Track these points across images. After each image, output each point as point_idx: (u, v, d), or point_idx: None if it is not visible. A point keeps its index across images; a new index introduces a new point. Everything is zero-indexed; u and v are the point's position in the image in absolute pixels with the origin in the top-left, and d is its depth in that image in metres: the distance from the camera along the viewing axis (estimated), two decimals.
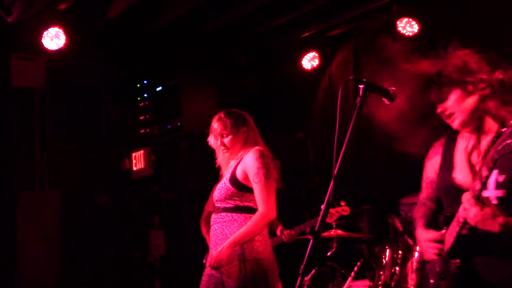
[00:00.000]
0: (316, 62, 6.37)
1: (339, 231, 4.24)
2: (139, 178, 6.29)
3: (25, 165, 5.90)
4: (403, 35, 5.38)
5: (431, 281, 2.21)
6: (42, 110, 6.06)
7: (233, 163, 3.29)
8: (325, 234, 4.21)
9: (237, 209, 3.18)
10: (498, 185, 2.02)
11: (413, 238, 4.19)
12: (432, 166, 2.46)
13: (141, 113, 6.51)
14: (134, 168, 6.34)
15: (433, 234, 2.24)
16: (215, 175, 5.15)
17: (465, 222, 1.95)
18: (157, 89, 6.41)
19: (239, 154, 3.27)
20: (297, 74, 6.63)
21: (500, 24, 4.71)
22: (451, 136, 2.41)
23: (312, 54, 6.35)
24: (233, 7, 5.36)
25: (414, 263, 3.49)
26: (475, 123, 2.22)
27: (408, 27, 5.33)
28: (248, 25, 5.87)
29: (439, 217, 2.26)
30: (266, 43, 6.32)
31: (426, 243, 2.27)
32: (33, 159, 5.96)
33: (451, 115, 2.28)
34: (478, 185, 1.88)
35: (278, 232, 4.66)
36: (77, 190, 6.22)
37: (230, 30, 5.94)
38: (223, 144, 3.27)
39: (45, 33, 5.05)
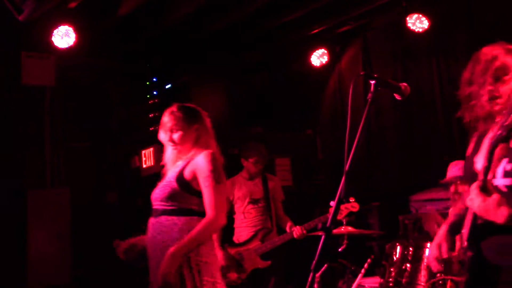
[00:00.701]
0: (325, 59, 6.36)
1: (350, 228, 4.22)
2: (148, 175, 6.31)
3: (35, 163, 5.94)
4: (413, 31, 5.36)
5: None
6: (52, 108, 6.09)
7: (181, 162, 3.02)
8: (336, 231, 4.19)
9: (179, 212, 2.89)
10: (506, 174, 1.98)
11: (424, 235, 4.18)
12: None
13: (150, 111, 6.53)
14: (144, 166, 6.36)
15: (445, 245, 2.19)
16: (225, 173, 5.17)
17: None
18: (167, 86, 6.43)
19: (189, 154, 3.01)
20: (306, 71, 6.63)
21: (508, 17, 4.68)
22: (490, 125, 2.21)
23: (321, 51, 6.35)
24: (242, 5, 5.36)
25: (425, 260, 3.48)
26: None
27: (418, 23, 5.31)
28: (257, 22, 5.86)
29: None
30: (275, 40, 6.31)
31: (435, 246, 2.23)
32: (43, 157, 6.00)
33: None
34: (481, 175, 1.86)
35: (288, 229, 4.66)
36: (87, 187, 6.25)
37: (239, 28, 5.94)
38: (172, 140, 3.01)
39: (55, 31, 5.07)
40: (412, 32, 5.38)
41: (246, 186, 4.88)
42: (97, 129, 6.56)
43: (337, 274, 4.51)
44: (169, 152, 3.11)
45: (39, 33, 5.21)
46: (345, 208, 4.37)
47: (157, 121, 6.31)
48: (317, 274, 4.11)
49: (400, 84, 2.19)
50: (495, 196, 1.85)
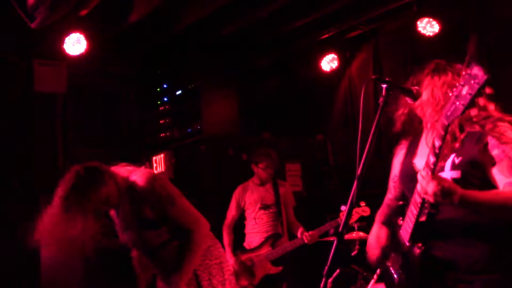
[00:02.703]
0: (335, 64, 6.35)
1: (361, 233, 4.21)
2: None
3: (47, 169, 5.97)
4: (423, 36, 5.33)
5: (395, 276, 2.17)
6: (64, 115, 6.13)
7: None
8: (347, 236, 4.18)
9: (162, 247, 2.84)
10: (454, 166, 1.99)
11: None
12: (397, 162, 2.39)
13: (161, 117, 6.56)
14: (155, 172, 6.39)
15: (377, 231, 2.29)
16: (235, 178, 5.18)
17: (424, 202, 1.91)
18: (177, 92, 6.46)
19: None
20: (316, 76, 6.61)
21: None
22: (419, 132, 2.32)
23: (331, 56, 6.33)
24: (252, 10, 5.37)
25: None
26: None
27: (428, 27, 5.28)
28: (267, 28, 5.87)
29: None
30: (285, 45, 6.31)
31: (373, 237, 2.32)
32: (55, 163, 6.03)
33: None
34: (432, 158, 1.83)
35: (299, 234, 4.65)
36: None
37: (249, 33, 5.95)
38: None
39: (67, 38, 5.12)
40: (423, 36, 5.35)
41: (257, 192, 4.88)
42: (108, 136, 6.59)
43: (349, 279, 4.48)
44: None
45: (51, 41, 5.25)
46: (356, 213, 4.36)
47: (168, 128, 6.40)
48: (329, 280, 4.09)
49: (412, 87, 2.19)
50: (448, 180, 1.86)
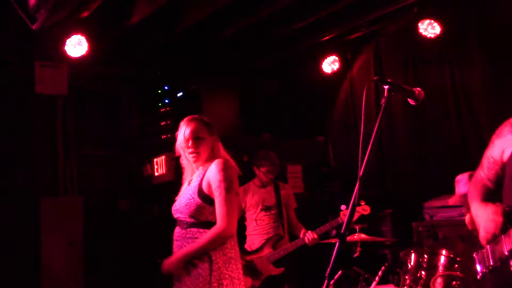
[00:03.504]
0: (336, 66, 6.35)
1: (363, 235, 4.20)
2: (160, 183, 6.32)
3: (48, 171, 5.98)
4: (425, 37, 5.34)
5: (480, 268, 2.08)
6: (65, 116, 6.14)
7: (198, 174, 3.04)
8: (349, 238, 4.17)
9: (207, 225, 2.89)
10: None
11: (439, 242, 4.13)
12: (500, 146, 2.23)
13: (162, 119, 6.55)
14: (156, 174, 6.38)
15: (492, 207, 2.09)
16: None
17: None
18: (178, 94, 6.45)
19: (206, 164, 3.02)
20: (317, 78, 6.62)
21: None
22: None
23: (332, 57, 6.34)
24: (253, 12, 5.37)
25: (440, 267, 3.43)
26: None
27: (430, 28, 5.29)
28: (269, 29, 5.87)
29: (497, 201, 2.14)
30: (286, 47, 6.32)
31: (484, 217, 2.13)
32: (56, 165, 6.03)
33: None
34: None
35: (301, 235, 4.64)
36: (99, 195, 6.27)
37: (250, 35, 5.95)
38: (195, 147, 2.99)
39: (68, 40, 5.12)
40: (424, 38, 5.36)
41: (258, 194, 4.87)
42: (109, 138, 6.59)
43: (351, 281, 4.48)
44: (187, 161, 3.10)
45: (52, 43, 5.26)
46: (356, 212, 4.34)
47: (169, 129, 6.40)
48: (331, 282, 4.08)
49: (414, 89, 2.17)
50: None
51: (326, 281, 1.93)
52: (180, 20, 5.45)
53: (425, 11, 5.34)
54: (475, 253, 2.16)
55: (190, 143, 3.00)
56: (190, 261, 2.85)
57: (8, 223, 5.41)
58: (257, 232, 4.82)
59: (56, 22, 4.75)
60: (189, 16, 5.35)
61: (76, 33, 5.10)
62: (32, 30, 4.68)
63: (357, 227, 4.26)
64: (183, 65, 6.34)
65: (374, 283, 4.09)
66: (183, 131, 3.05)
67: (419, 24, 5.33)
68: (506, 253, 1.96)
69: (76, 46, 5.15)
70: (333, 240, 4.42)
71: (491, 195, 2.22)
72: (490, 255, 2.09)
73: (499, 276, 2.01)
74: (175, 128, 6.79)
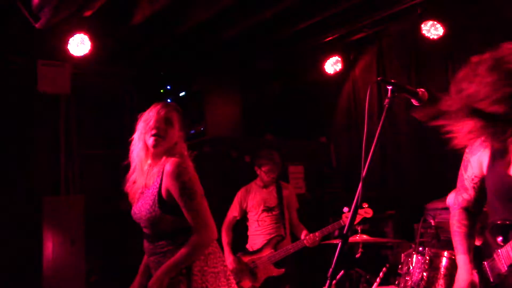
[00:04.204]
0: (339, 67, 6.35)
1: (365, 236, 4.19)
2: None
3: (50, 170, 5.98)
4: (428, 38, 5.33)
5: (491, 280, 2.05)
6: (67, 116, 6.14)
7: (153, 173, 2.77)
8: (351, 239, 4.16)
9: (180, 233, 2.68)
10: None
11: (441, 243, 4.13)
12: (477, 161, 2.19)
13: None
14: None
15: (472, 276, 2.09)
16: (238, 180, 5.17)
17: None
18: (180, 94, 6.45)
19: (161, 160, 2.74)
20: (320, 79, 6.62)
21: None
22: (503, 128, 2.07)
23: (334, 58, 6.33)
24: (255, 13, 5.37)
25: (442, 269, 3.42)
26: None
27: (433, 30, 5.28)
28: (271, 30, 5.87)
29: (479, 226, 2.13)
30: (289, 48, 6.31)
31: (463, 284, 2.12)
32: (58, 164, 6.04)
33: None
34: None
35: (303, 236, 4.64)
36: (101, 194, 6.27)
37: (252, 36, 5.95)
38: (162, 131, 2.73)
39: (71, 39, 5.12)
40: (427, 39, 5.35)
41: (260, 194, 4.87)
42: (111, 137, 6.59)
43: (352, 282, 4.47)
44: (142, 152, 2.83)
45: (55, 41, 5.26)
46: (358, 214, 4.34)
47: None
48: (333, 282, 4.07)
49: (418, 89, 2.16)
50: None
51: (328, 282, 1.92)
52: (183, 20, 5.45)
53: (428, 12, 5.33)
54: (485, 262, 2.14)
55: (159, 124, 2.75)
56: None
57: (10, 222, 5.42)
58: (259, 232, 4.82)
59: (59, 21, 4.76)
60: (192, 16, 5.35)
61: (79, 32, 5.10)
62: (35, 28, 4.69)
63: (359, 228, 4.25)
64: (186, 65, 6.34)
65: (375, 284, 4.08)
66: (155, 112, 2.79)
67: (422, 25, 5.32)
68: (505, 268, 1.96)
69: (79, 45, 5.15)
70: (334, 241, 4.41)
71: (475, 224, 2.17)
72: (489, 272, 2.09)
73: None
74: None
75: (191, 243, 2.64)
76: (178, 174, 2.65)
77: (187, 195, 2.63)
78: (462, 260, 2.18)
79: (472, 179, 2.24)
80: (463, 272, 2.15)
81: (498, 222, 2.03)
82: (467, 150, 2.27)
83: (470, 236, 2.21)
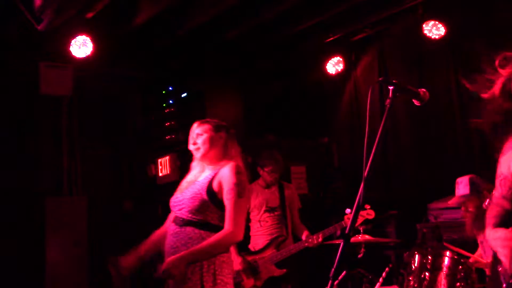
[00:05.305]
0: (340, 67, 6.35)
1: (367, 236, 4.19)
2: (165, 184, 6.33)
3: (53, 171, 6.00)
4: (429, 38, 5.33)
5: (504, 285, 2.08)
6: (70, 117, 6.15)
7: (208, 172, 3.00)
8: (353, 239, 4.16)
9: (207, 226, 2.83)
10: None
11: (443, 244, 4.13)
12: (506, 162, 2.24)
13: (166, 120, 6.56)
14: (160, 174, 6.39)
15: (502, 232, 2.13)
16: None
17: None
18: (182, 95, 6.46)
19: (218, 164, 3.00)
20: (321, 79, 6.62)
21: None
22: None
23: (336, 58, 6.34)
24: (257, 13, 5.38)
25: (445, 269, 3.43)
26: None
27: (434, 30, 5.28)
28: (272, 30, 5.88)
29: None
30: (290, 48, 6.32)
31: (495, 241, 2.17)
32: (61, 165, 6.05)
33: None
34: None
35: (304, 237, 4.64)
36: (103, 195, 6.29)
37: (254, 36, 5.96)
38: (195, 142, 3.05)
39: (73, 41, 5.14)
40: (429, 39, 5.35)
41: (262, 194, 4.88)
42: (114, 138, 6.60)
43: (355, 283, 4.47)
44: (195, 161, 3.13)
45: (57, 43, 5.28)
46: (360, 216, 4.34)
47: (173, 130, 6.41)
48: (335, 282, 4.07)
49: (419, 90, 2.16)
50: None
51: (330, 282, 1.93)
52: (185, 21, 5.46)
53: (430, 12, 5.33)
54: (499, 267, 2.16)
55: (192, 138, 3.08)
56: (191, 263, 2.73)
57: (13, 223, 5.43)
58: (261, 233, 4.82)
59: (61, 23, 4.77)
60: (193, 17, 5.36)
61: (81, 34, 5.12)
62: (37, 30, 4.71)
63: (361, 228, 4.25)
64: (188, 66, 6.35)
65: (378, 284, 4.08)
66: (192, 130, 3.12)
67: (424, 25, 5.32)
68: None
69: (81, 46, 5.17)
70: (336, 241, 4.41)
71: (508, 215, 2.21)
72: (501, 276, 2.12)
73: None
74: (180, 128, 6.82)
75: (220, 234, 2.78)
76: (238, 171, 2.89)
77: (237, 192, 2.82)
78: (492, 231, 2.24)
79: (499, 177, 2.31)
80: (488, 233, 2.21)
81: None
82: (501, 151, 2.33)
83: (499, 218, 2.27)
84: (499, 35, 4.94)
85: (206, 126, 3.08)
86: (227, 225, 2.79)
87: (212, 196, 2.86)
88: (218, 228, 2.83)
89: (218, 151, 3.04)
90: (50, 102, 5.97)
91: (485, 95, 2.16)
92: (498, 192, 2.33)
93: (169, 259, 2.74)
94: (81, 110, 6.22)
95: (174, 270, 2.67)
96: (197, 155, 3.06)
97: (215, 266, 2.78)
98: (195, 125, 3.13)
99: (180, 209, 2.93)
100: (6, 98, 5.64)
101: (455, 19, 5.32)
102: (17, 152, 5.69)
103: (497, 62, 2.14)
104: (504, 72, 2.12)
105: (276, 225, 4.80)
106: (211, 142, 3.03)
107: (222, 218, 2.84)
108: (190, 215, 2.86)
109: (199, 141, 3.04)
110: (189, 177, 3.11)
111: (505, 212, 2.26)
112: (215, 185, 2.88)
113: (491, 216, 2.32)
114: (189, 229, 2.84)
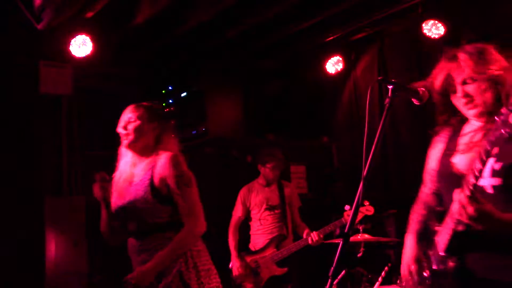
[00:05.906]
0: (340, 66, 6.35)
1: (366, 236, 4.19)
2: None
3: (52, 171, 5.99)
4: (429, 38, 5.33)
5: (426, 272, 2.10)
6: (70, 117, 6.14)
7: (142, 167, 2.80)
8: (353, 238, 4.16)
9: (168, 227, 2.67)
10: (494, 173, 1.89)
11: None
12: (434, 155, 2.30)
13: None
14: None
15: (417, 252, 2.16)
16: (240, 180, 5.18)
17: (460, 221, 1.83)
18: (182, 94, 6.46)
19: (150, 157, 2.79)
20: (321, 78, 6.62)
21: None
22: (459, 123, 2.22)
23: (336, 58, 6.34)
24: (257, 13, 5.37)
25: None
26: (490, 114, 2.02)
27: (434, 29, 5.28)
28: (272, 30, 5.88)
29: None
30: (290, 48, 6.32)
31: (407, 259, 2.21)
32: (60, 165, 6.04)
33: (471, 101, 2.08)
34: (472, 179, 1.75)
35: (305, 235, 4.64)
36: None
37: (254, 36, 5.96)
38: (125, 130, 2.86)
39: (72, 40, 5.13)
40: (428, 38, 5.35)
41: (262, 193, 4.88)
42: (113, 138, 6.59)
43: (354, 281, 4.47)
44: (126, 153, 2.93)
45: (57, 42, 5.27)
46: (360, 212, 4.34)
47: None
48: (335, 281, 4.08)
49: (419, 88, 2.16)
50: (486, 204, 1.78)
51: (329, 281, 1.93)
52: (184, 21, 5.46)
53: (429, 11, 5.33)
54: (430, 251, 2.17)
55: (123, 121, 2.89)
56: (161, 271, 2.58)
57: (12, 223, 5.42)
58: (261, 232, 4.82)
59: (61, 22, 4.77)
60: (193, 16, 5.36)
61: (81, 33, 5.11)
62: (37, 30, 4.71)
63: (360, 228, 4.25)
64: (187, 65, 6.35)
65: (377, 284, 4.08)
66: (122, 118, 2.92)
67: (423, 25, 5.33)
68: (442, 253, 1.99)
69: (81, 46, 5.16)
70: (336, 240, 4.42)
71: (434, 212, 2.20)
72: (433, 259, 2.12)
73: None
74: (179, 127, 6.82)
75: (183, 233, 2.62)
76: (175, 162, 2.69)
77: (184, 182, 2.66)
78: (409, 238, 2.28)
79: (429, 172, 2.35)
80: (409, 249, 2.24)
81: (438, 209, 2.11)
82: (429, 145, 2.38)
83: (422, 223, 2.27)
84: (499, 34, 4.94)
85: (140, 113, 2.87)
86: (186, 221, 2.64)
87: (158, 196, 2.67)
88: (177, 223, 2.66)
89: (148, 142, 2.84)
90: (50, 101, 5.97)
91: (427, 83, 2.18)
92: (427, 188, 2.35)
93: (135, 272, 2.62)
94: (80, 109, 6.21)
95: (142, 283, 2.55)
96: (124, 141, 2.88)
97: (193, 259, 2.67)
98: (129, 108, 2.93)
99: (131, 221, 2.77)
100: (6, 97, 5.64)
101: (455, 18, 5.32)
102: (16, 151, 5.68)
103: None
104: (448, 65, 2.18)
105: (277, 223, 4.80)
106: (141, 131, 2.84)
107: (176, 211, 2.67)
108: (145, 223, 2.70)
109: (130, 127, 2.85)
110: (123, 172, 2.92)
111: (429, 213, 2.24)
112: (157, 183, 2.69)
113: (415, 219, 2.31)
114: (151, 237, 2.68)
